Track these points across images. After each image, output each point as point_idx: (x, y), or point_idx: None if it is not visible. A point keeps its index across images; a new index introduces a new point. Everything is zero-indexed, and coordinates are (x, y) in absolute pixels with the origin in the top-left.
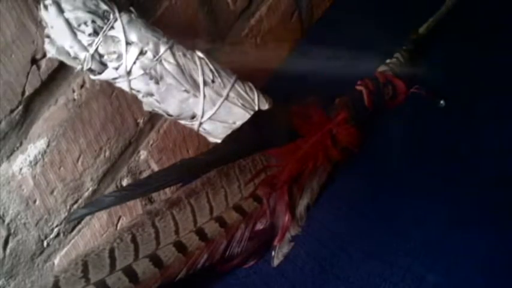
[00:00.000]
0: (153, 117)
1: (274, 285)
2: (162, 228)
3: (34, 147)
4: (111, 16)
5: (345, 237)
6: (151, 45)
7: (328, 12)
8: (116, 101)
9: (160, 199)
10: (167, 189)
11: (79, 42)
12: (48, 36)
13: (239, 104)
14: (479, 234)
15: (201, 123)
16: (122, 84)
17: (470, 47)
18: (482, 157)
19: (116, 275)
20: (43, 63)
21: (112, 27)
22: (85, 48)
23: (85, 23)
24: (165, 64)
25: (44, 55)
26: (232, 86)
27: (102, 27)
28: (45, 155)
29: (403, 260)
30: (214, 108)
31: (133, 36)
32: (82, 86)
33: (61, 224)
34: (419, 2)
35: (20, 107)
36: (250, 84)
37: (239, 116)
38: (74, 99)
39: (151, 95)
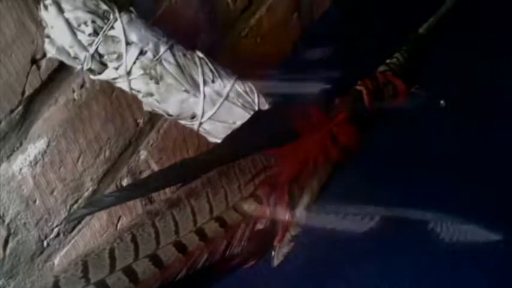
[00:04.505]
0: (153, 117)
1: (274, 285)
2: (162, 228)
3: (34, 147)
4: (111, 16)
5: (345, 237)
6: (151, 45)
7: (328, 12)
8: (116, 101)
9: (160, 199)
10: (167, 189)
11: (79, 42)
12: (48, 36)
13: (239, 104)
14: (480, 233)
15: (201, 123)
16: (122, 84)
17: (470, 47)
18: (483, 157)
19: (116, 275)
20: (43, 63)
21: (112, 27)
22: (85, 48)
23: (85, 23)
24: (165, 64)
25: (44, 55)
26: (232, 86)
27: (102, 27)
28: (45, 155)
29: (403, 260)
30: (214, 108)
31: (133, 36)
32: (82, 86)
33: (61, 224)
34: (419, 2)
35: (20, 107)
36: (250, 85)
37: (239, 116)
38: (74, 99)
39: (151, 95)
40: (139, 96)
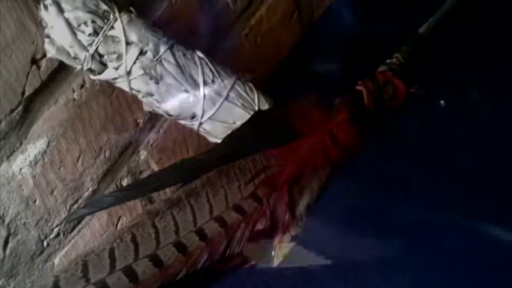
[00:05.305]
0: (153, 117)
1: (274, 285)
2: (162, 228)
3: (34, 147)
4: (111, 16)
5: (345, 237)
6: (151, 45)
7: (328, 12)
8: (116, 101)
9: (160, 199)
10: (167, 189)
11: (79, 42)
12: (48, 36)
13: (239, 104)
14: (480, 233)
15: (201, 123)
16: (122, 84)
17: (470, 46)
18: (483, 158)
19: (116, 275)
20: (43, 63)
21: (112, 27)
22: (85, 48)
23: (85, 23)
24: (165, 64)
25: (44, 55)
26: (232, 86)
27: (102, 27)
28: (45, 155)
29: (403, 260)
30: (214, 108)
31: (133, 36)
32: (82, 86)
33: (61, 224)
34: (419, 2)
35: (20, 107)
36: (250, 85)
37: (239, 116)
38: (74, 99)
39: (151, 95)
40: (139, 96)
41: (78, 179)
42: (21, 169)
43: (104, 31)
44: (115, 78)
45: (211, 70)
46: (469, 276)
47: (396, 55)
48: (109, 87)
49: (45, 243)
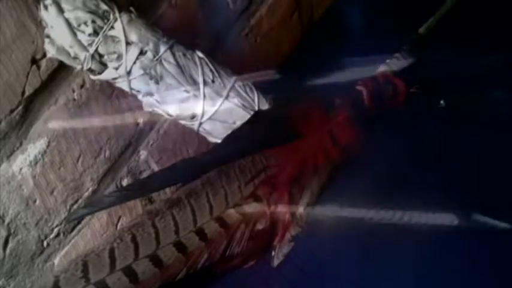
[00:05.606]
0: (153, 117)
1: (274, 285)
2: (162, 228)
3: (34, 147)
4: (111, 16)
5: (345, 237)
6: (151, 45)
7: (328, 13)
8: (116, 101)
9: (160, 199)
10: (167, 189)
11: (79, 42)
12: (48, 36)
13: (239, 104)
14: (481, 233)
15: (201, 123)
16: (122, 84)
17: (470, 46)
18: (483, 158)
19: (116, 275)
20: (43, 63)
21: (112, 27)
22: (85, 48)
23: (85, 23)
24: (165, 64)
25: (44, 55)
26: (232, 86)
27: (102, 27)
28: (45, 155)
29: (403, 260)
30: (214, 108)
31: (133, 36)
32: (82, 86)
33: (61, 224)
34: (419, 2)
35: (20, 107)
36: (250, 85)
37: (239, 116)
38: (74, 99)
39: (151, 95)
40: (139, 96)
41: (78, 179)
42: (21, 169)
43: (104, 31)
44: (115, 78)
45: (211, 70)
46: (469, 276)
47: (396, 55)
48: (109, 87)
49: (45, 243)
